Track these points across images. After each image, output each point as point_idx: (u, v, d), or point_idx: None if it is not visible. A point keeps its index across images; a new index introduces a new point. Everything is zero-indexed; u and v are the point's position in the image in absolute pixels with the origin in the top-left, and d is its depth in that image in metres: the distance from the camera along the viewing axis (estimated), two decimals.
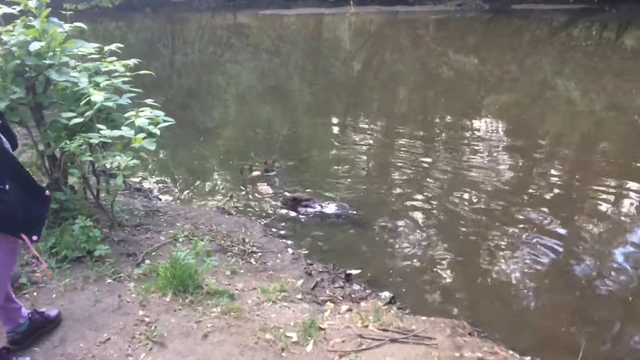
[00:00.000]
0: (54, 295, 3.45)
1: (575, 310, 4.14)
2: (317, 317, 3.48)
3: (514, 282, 4.49)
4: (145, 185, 6.60)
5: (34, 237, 2.63)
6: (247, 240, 4.77)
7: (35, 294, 3.45)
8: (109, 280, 3.65)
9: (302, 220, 5.55)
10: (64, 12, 4.46)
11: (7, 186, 2.48)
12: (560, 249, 4.94)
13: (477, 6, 25.65)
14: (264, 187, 6.27)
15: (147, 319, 3.22)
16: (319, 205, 5.75)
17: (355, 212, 5.69)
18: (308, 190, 6.26)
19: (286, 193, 6.11)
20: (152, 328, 3.12)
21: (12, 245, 2.66)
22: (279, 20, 25.22)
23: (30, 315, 3.02)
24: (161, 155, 7.76)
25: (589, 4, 23.18)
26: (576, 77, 13.30)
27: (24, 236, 2.59)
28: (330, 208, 5.71)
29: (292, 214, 5.67)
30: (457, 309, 4.14)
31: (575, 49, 17.39)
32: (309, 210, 5.69)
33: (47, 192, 2.75)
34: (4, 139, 2.57)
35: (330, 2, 27.00)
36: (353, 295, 4.15)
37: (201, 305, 3.40)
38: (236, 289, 3.75)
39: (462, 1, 26.60)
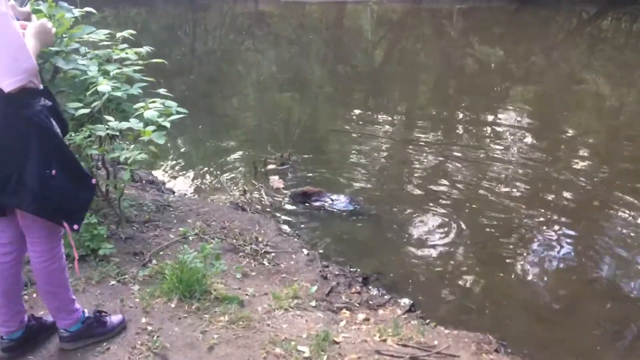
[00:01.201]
0: None
1: (612, 324, 3.83)
2: (332, 327, 3.25)
3: (544, 291, 4.20)
4: (159, 176, 6.41)
5: (75, 226, 2.50)
6: (260, 239, 4.54)
7: (34, 295, 3.24)
8: (112, 282, 3.44)
9: (318, 216, 5.32)
10: None
11: (53, 171, 2.37)
12: (596, 257, 4.63)
13: None
14: (276, 181, 6.05)
15: (149, 328, 3.00)
16: (331, 199, 5.52)
17: (373, 208, 5.45)
18: (323, 183, 6.02)
19: (300, 186, 5.90)
20: (155, 338, 2.91)
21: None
22: (300, 9, 24.81)
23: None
24: (177, 145, 7.56)
25: None
26: (605, 71, 12.81)
27: (65, 224, 2.46)
28: (345, 203, 5.47)
29: (307, 210, 5.44)
30: (481, 319, 3.85)
31: (604, 41, 16.80)
32: (322, 204, 5.47)
33: (94, 180, 2.63)
34: (54, 123, 2.43)
35: None
36: (370, 302, 3.91)
37: (208, 312, 3.18)
38: (246, 294, 3.52)
39: None
